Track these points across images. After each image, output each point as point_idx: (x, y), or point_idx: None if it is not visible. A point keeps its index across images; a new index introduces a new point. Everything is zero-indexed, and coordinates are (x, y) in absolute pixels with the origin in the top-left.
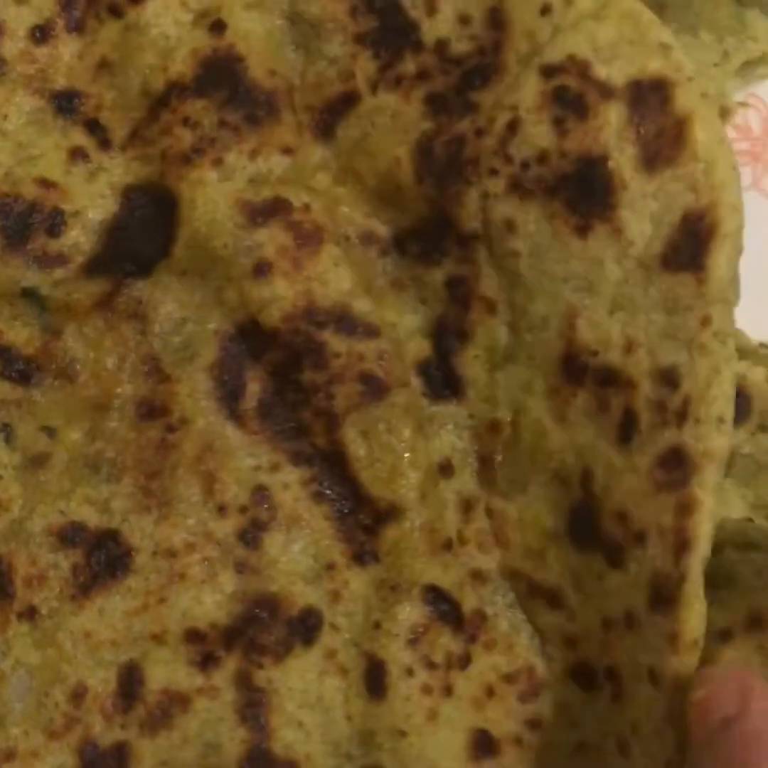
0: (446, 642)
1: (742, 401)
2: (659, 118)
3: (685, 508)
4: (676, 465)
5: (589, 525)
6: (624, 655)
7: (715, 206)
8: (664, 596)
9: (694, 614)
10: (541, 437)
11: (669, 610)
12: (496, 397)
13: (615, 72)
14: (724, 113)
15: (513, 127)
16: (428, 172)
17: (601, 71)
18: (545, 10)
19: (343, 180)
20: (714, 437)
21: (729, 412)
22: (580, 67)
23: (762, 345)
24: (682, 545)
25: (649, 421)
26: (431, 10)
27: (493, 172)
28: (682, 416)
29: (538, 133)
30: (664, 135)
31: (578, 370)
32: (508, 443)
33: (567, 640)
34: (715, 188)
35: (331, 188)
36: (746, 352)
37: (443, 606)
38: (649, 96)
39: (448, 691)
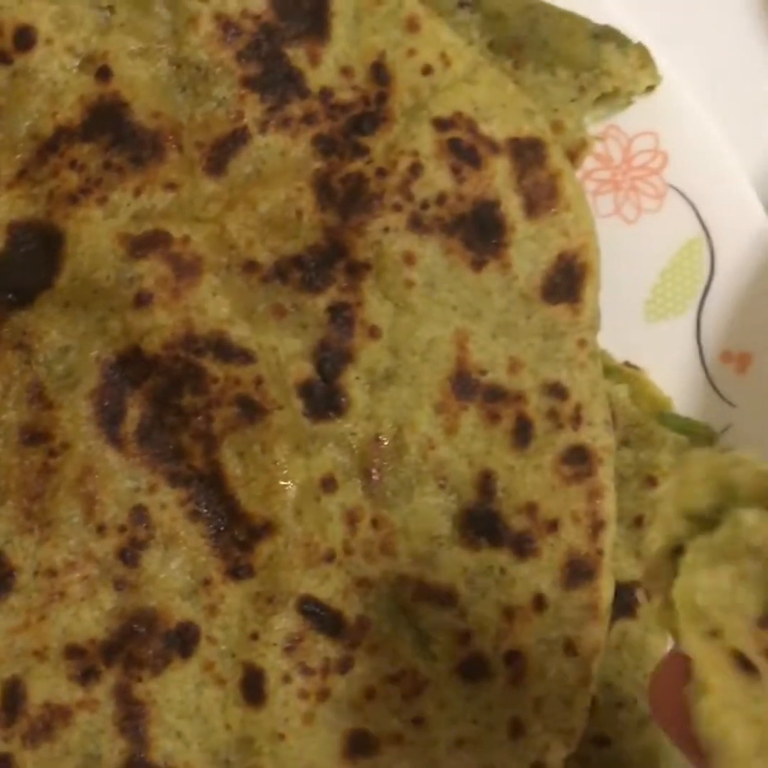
0: (323, 648)
1: None
2: (537, 172)
3: (596, 494)
4: (580, 460)
5: (488, 525)
6: (530, 636)
7: (585, 248)
8: (582, 572)
9: (610, 584)
10: (429, 449)
11: (588, 583)
12: (378, 415)
13: (496, 129)
14: (583, 145)
15: (415, 170)
16: (331, 202)
17: (485, 128)
18: (427, 71)
19: (233, 206)
20: (607, 436)
21: (610, 417)
22: (468, 123)
23: (626, 363)
24: (597, 525)
25: (543, 427)
26: (314, 61)
27: (397, 208)
28: (577, 421)
29: (439, 178)
30: (541, 187)
31: (468, 387)
32: (391, 456)
33: (457, 637)
34: (584, 234)
35: (221, 215)
36: (610, 370)
37: (320, 615)
38: (528, 153)
39: (324, 694)
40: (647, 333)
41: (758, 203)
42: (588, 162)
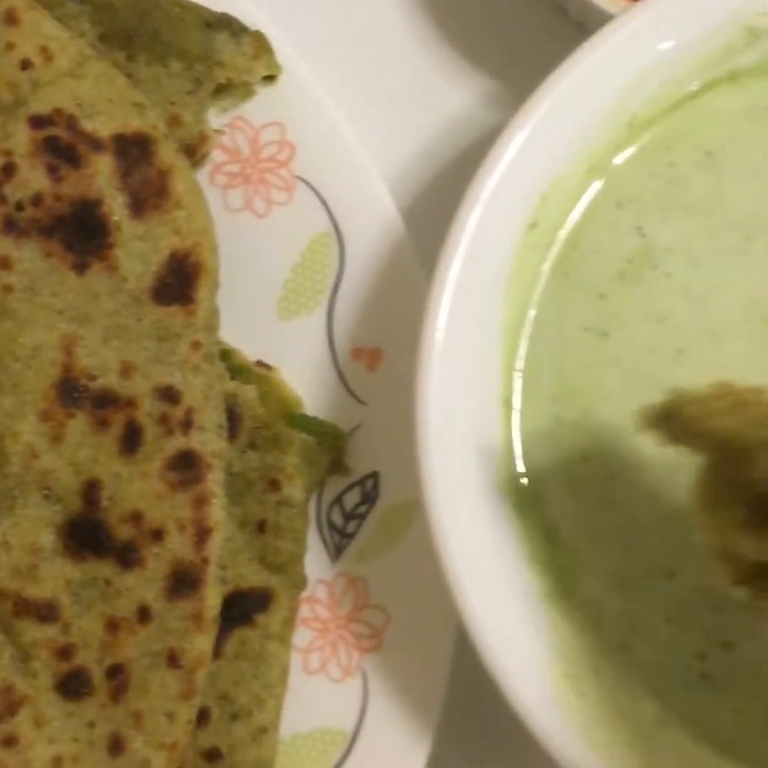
0: None
1: (233, 420)
2: (144, 169)
3: (203, 501)
4: (188, 466)
5: (92, 535)
6: (134, 649)
7: (199, 247)
8: (187, 581)
9: (216, 593)
10: (32, 459)
11: (193, 593)
12: None
13: (100, 126)
14: (203, 139)
15: (8, 170)
16: None
17: (87, 125)
18: (26, 65)
19: None
20: (218, 441)
21: (224, 421)
22: (67, 120)
23: (259, 363)
24: (203, 533)
25: (153, 433)
26: None
27: None
28: (187, 425)
29: (33, 178)
30: (149, 185)
31: (75, 394)
32: None
33: (59, 652)
34: (198, 232)
35: None
36: (241, 370)
37: None
38: (133, 150)
39: None
40: (280, 330)
41: (388, 196)
42: (217, 155)
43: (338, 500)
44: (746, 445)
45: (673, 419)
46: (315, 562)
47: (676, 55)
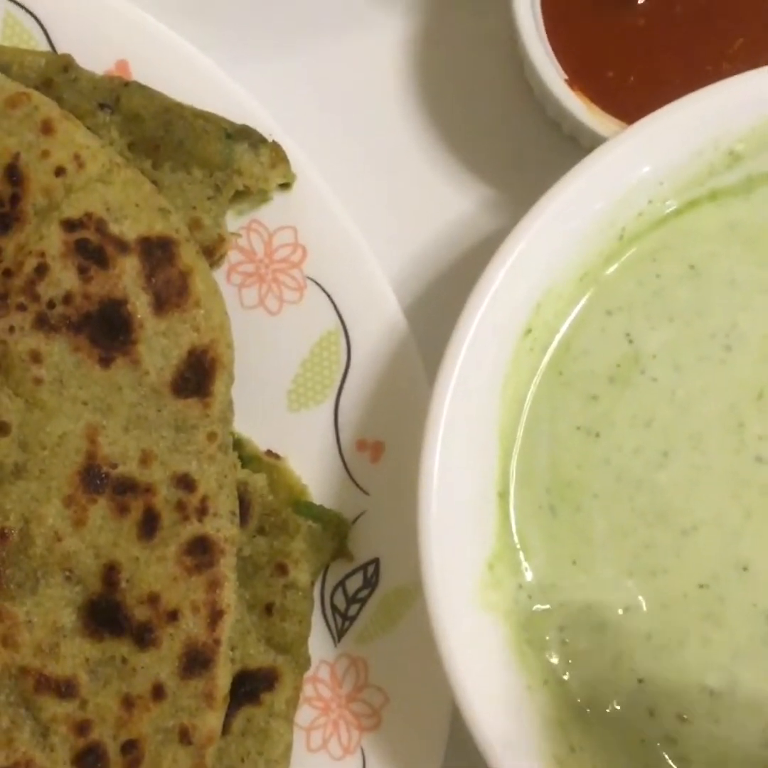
0: None
1: (243, 506)
2: (167, 270)
3: (216, 585)
4: (203, 551)
5: (111, 615)
6: (148, 725)
7: (216, 343)
8: (200, 661)
9: (227, 673)
10: (55, 542)
11: (205, 672)
12: (5, 509)
13: (126, 229)
14: (221, 241)
15: (41, 270)
16: None
17: (115, 228)
18: (59, 172)
19: None
20: (231, 527)
21: (236, 508)
22: (97, 224)
23: (268, 452)
24: (215, 615)
25: (170, 518)
26: None
27: (21, 308)
28: (202, 512)
29: (64, 278)
30: (171, 284)
31: (98, 481)
32: (17, 549)
33: (77, 727)
34: (215, 329)
35: None
36: (251, 459)
37: None
38: (157, 252)
39: None
40: (289, 422)
41: (392, 296)
42: (234, 256)
43: (341, 584)
44: None
45: None
46: (318, 643)
47: (661, 176)
